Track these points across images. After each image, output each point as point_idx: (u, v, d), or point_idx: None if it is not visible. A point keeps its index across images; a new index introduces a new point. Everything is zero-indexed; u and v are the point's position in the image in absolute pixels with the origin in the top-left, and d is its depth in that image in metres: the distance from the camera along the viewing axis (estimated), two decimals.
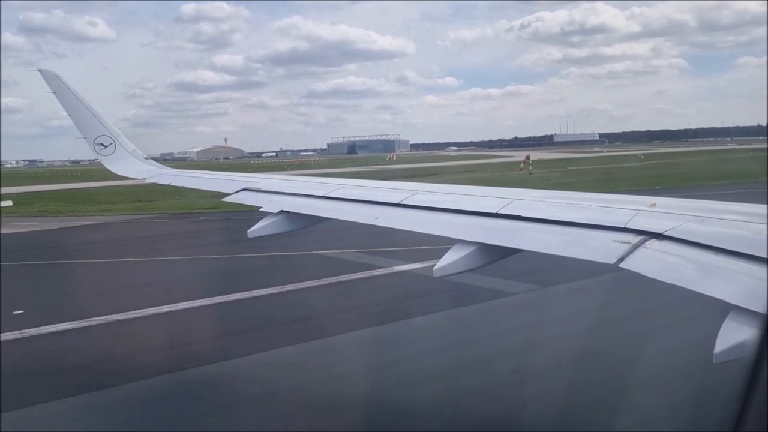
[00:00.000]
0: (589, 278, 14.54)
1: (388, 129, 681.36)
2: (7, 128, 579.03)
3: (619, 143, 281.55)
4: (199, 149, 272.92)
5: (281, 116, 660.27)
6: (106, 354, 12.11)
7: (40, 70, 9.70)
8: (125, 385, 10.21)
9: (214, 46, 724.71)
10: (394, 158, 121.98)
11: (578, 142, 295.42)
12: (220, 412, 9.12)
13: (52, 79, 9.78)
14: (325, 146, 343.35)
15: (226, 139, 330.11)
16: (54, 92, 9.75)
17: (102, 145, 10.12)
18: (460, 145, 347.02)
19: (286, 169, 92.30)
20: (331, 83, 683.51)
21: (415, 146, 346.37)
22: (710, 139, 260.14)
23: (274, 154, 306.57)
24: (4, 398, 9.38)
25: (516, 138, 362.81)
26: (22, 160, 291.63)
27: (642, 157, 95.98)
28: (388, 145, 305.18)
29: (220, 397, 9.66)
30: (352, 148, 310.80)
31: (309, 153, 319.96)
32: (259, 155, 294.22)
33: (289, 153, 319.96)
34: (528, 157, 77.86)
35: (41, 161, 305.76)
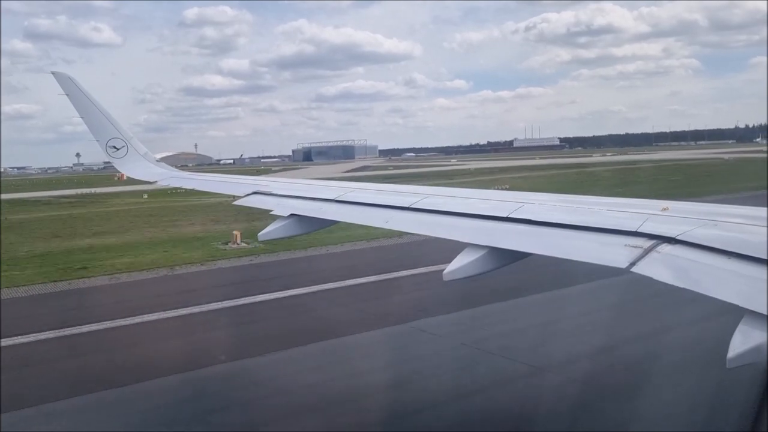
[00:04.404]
0: None
1: (400, 132, 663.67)
2: (22, 134, 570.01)
3: (580, 148, 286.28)
4: (163, 155, 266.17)
5: (292, 120, 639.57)
6: None
7: (53, 73, 9.61)
8: None
9: (219, 51, 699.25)
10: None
11: (538, 147, 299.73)
12: None
13: (65, 81, 9.68)
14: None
15: (196, 145, 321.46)
16: (67, 94, 9.65)
17: (114, 147, 10.08)
18: (419, 150, 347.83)
19: None
20: (339, 87, 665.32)
21: (384, 152, 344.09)
22: (674, 143, 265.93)
23: (232, 161, 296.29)
24: None
25: (488, 143, 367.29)
26: (10, 168, 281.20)
27: None
28: (347, 151, 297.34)
29: None
30: (308, 155, 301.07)
31: (274, 160, 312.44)
32: (218, 162, 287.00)
33: (247, 160, 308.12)
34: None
35: (30, 167, 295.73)
